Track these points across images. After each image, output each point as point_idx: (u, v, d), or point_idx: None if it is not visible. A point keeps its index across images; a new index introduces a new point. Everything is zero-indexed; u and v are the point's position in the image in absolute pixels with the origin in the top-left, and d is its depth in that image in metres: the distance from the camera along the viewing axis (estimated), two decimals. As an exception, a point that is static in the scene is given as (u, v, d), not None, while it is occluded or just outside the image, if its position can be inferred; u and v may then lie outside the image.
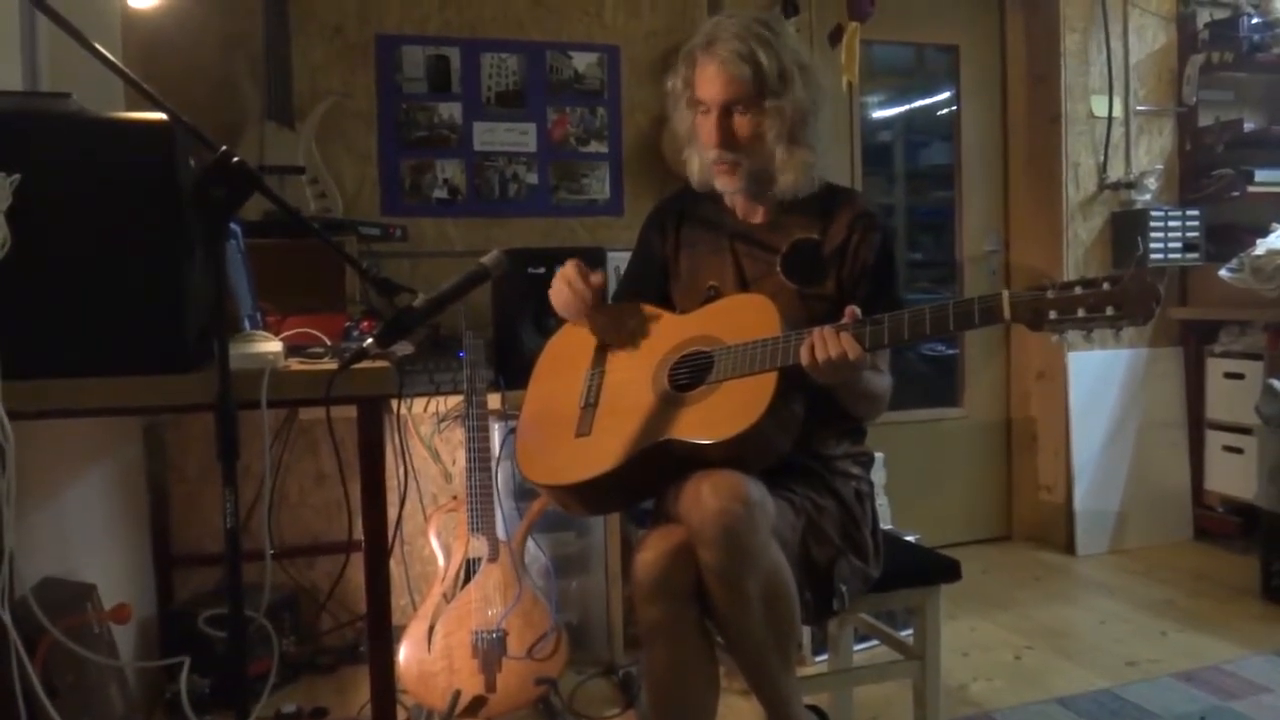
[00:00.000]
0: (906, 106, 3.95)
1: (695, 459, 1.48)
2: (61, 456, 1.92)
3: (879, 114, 3.87)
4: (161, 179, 1.29)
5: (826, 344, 1.43)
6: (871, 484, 1.77)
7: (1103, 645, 2.75)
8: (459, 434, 2.77)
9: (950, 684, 2.45)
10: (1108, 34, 3.64)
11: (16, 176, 1.21)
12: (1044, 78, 3.70)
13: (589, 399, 1.67)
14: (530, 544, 2.31)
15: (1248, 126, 3.68)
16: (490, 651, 2.13)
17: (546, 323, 2.33)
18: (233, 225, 1.60)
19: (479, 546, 2.22)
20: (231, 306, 1.49)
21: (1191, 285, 3.77)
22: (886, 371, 1.67)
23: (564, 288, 1.70)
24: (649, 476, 1.56)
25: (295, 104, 2.71)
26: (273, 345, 1.44)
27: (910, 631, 2.03)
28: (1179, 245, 3.56)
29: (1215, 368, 3.64)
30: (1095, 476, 3.65)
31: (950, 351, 3.89)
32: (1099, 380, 3.65)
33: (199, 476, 2.71)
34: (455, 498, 2.41)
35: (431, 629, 2.16)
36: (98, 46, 1.25)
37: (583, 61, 3.15)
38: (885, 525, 2.21)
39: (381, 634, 1.48)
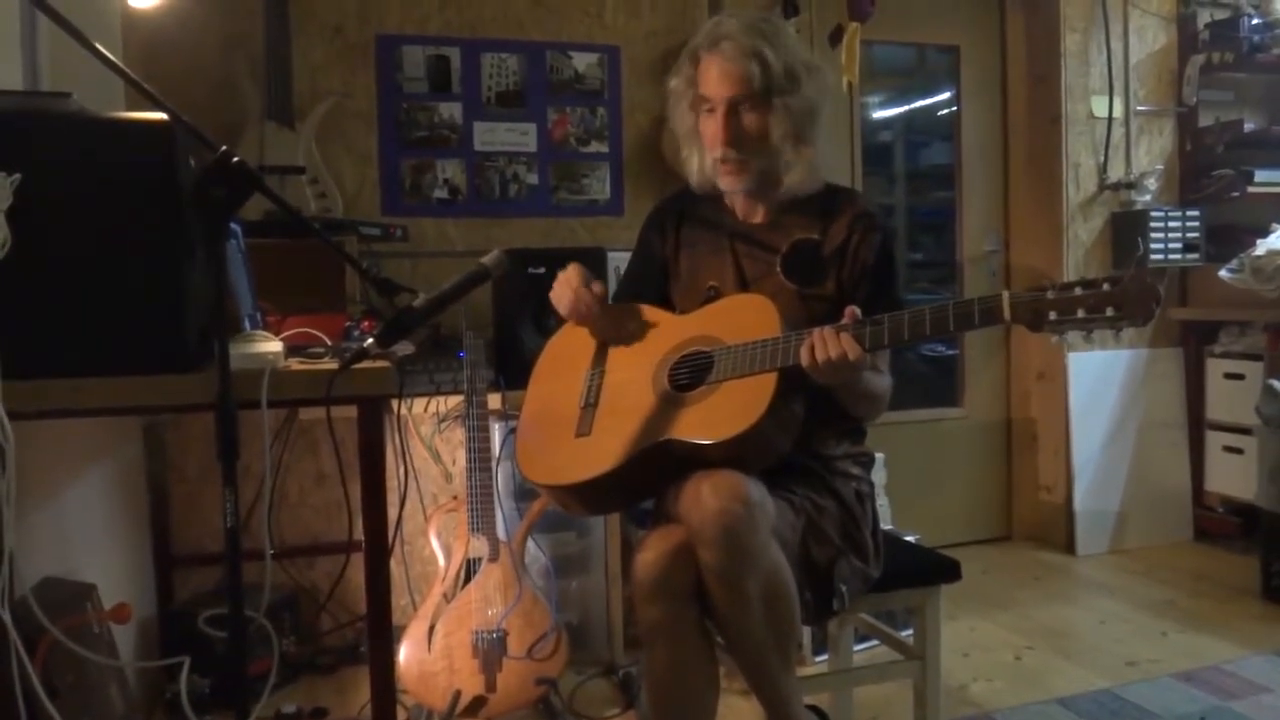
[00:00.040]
0: (907, 107, 3.95)
1: (695, 459, 1.48)
2: (61, 456, 1.92)
3: (879, 114, 3.87)
4: (162, 179, 1.29)
5: (826, 344, 1.43)
6: (872, 484, 1.77)
7: (1103, 645, 2.75)
8: (459, 434, 2.77)
9: (950, 684, 2.45)
10: (1108, 34, 3.64)
11: (17, 176, 1.21)
12: (1044, 78, 3.70)
13: (589, 399, 1.67)
14: (530, 544, 2.31)
15: (1248, 127, 3.69)
16: (490, 651, 2.13)
17: (546, 323, 2.33)
18: (233, 225, 1.60)
19: (479, 546, 2.22)
20: (232, 306, 1.49)
21: (1191, 286, 3.77)
22: (886, 372, 1.67)
23: (566, 292, 1.70)
24: (649, 476, 1.56)
25: (295, 104, 2.71)
26: (273, 345, 1.44)
27: (910, 631, 2.02)
28: (1179, 246, 3.56)
29: (1215, 368, 3.64)
30: (1095, 477, 3.65)
31: (950, 352, 3.89)
32: (1099, 380, 3.65)
33: (199, 476, 2.71)
34: (455, 498, 2.41)
35: (432, 629, 2.16)
36: (98, 46, 1.25)
37: (583, 62, 3.15)
38: (885, 525, 2.21)
39: (382, 634, 1.48)
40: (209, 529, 2.70)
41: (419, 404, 2.53)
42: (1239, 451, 3.49)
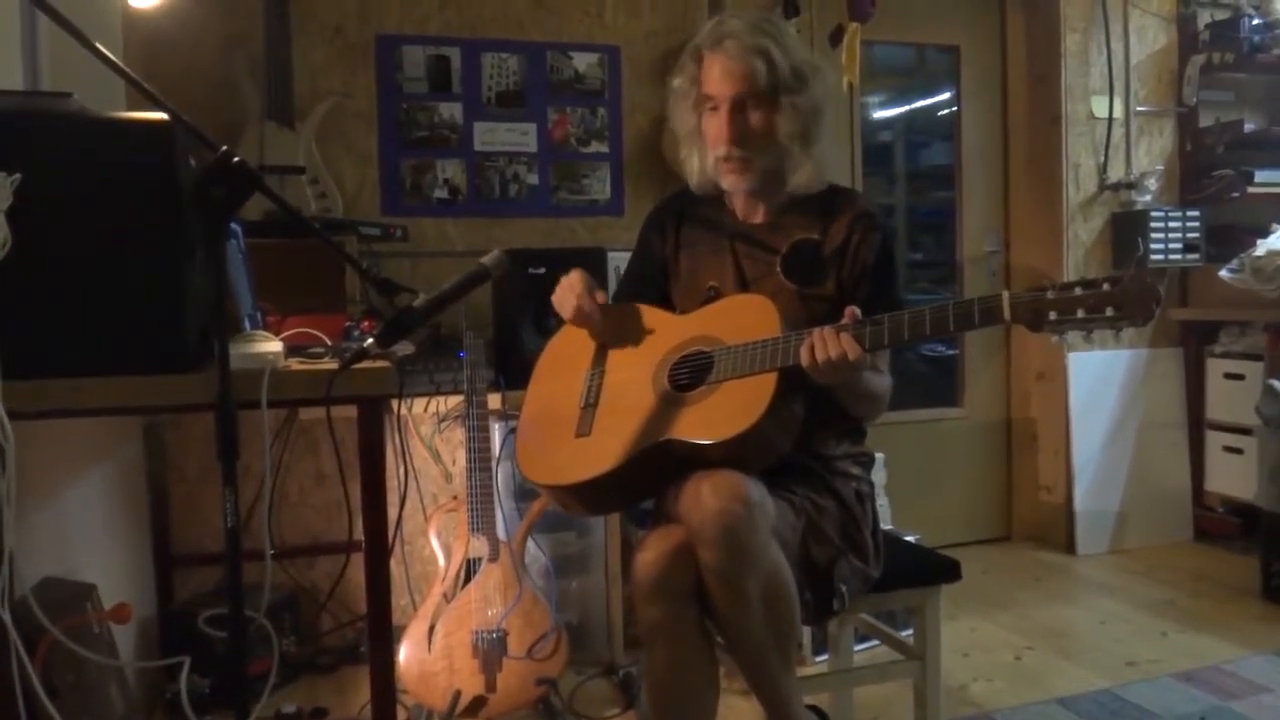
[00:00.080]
0: (907, 107, 3.95)
1: (695, 459, 1.48)
2: (61, 456, 1.92)
3: (879, 114, 3.87)
4: (162, 179, 1.29)
5: (826, 344, 1.43)
6: (872, 484, 1.77)
7: (1103, 645, 2.75)
8: (459, 434, 2.77)
9: (950, 684, 2.45)
10: (1108, 34, 3.64)
11: (17, 176, 1.21)
12: (1044, 78, 3.70)
13: (589, 399, 1.67)
14: (530, 544, 2.31)
15: (1248, 127, 3.68)
16: (490, 651, 2.13)
17: (546, 323, 2.33)
18: (233, 225, 1.60)
19: (479, 546, 2.22)
20: (232, 306, 1.49)
21: (1192, 286, 3.77)
22: (886, 372, 1.67)
23: (570, 297, 1.70)
24: (649, 476, 1.56)
25: (295, 104, 2.71)
26: (273, 345, 1.44)
27: (910, 631, 2.02)
28: (1179, 246, 3.56)
29: (1215, 368, 3.64)
30: (1095, 477, 3.65)
31: (950, 352, 3.89)
32: (1099, 381, 3.65)
33: (199, 476, 2.71)
34: (455, 498, 2.41)
35: (432, 629, 2.16)
36: (98, 46, 1.25)
37: (583, 62, 3.15)
38: (885, 525, 2.21)
39: (382, 634, 1.48)
40: (209, 529, 2.70)
41: (419, 404, 2.53)
42: (1239, 451, 3.49)
